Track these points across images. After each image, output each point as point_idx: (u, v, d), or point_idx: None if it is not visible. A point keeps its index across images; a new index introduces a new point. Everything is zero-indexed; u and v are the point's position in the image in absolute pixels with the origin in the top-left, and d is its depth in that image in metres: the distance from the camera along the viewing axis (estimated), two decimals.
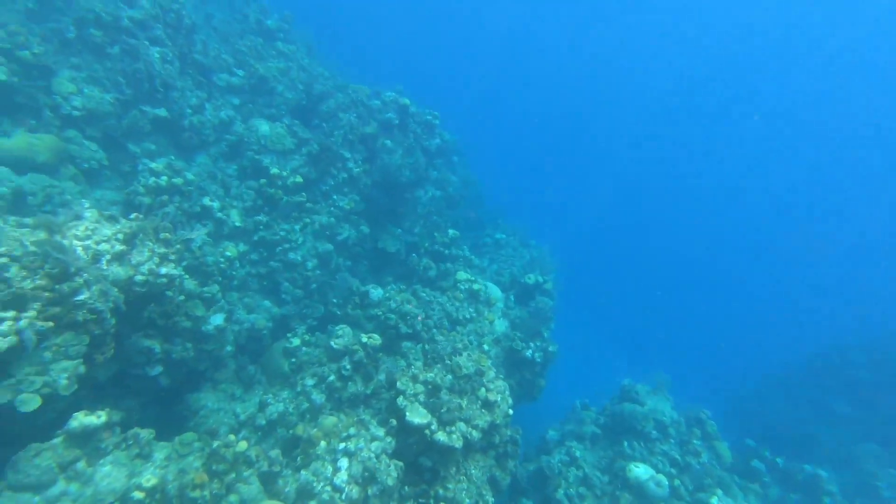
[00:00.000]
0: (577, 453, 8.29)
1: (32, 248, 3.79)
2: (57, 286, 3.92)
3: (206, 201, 7.49)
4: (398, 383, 6.79)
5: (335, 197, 9.92)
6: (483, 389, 7.08)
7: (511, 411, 7.06)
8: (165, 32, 6.93)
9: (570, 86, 53.30)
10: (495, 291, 10.82)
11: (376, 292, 9.62)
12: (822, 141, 43.56)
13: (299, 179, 9.11)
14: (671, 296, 31.09)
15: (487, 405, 6.87)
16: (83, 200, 4.56)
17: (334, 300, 9.61)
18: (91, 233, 4.47)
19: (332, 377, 7.24)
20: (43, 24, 5.63)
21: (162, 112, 6.89)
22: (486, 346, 9.01)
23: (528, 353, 9.46)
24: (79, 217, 4.42)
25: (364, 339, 7.78)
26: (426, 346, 7.84)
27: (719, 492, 7.35)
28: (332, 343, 7.56)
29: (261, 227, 8.65)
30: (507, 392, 7.39)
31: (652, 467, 7.81)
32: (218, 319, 6.81)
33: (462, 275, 10.46)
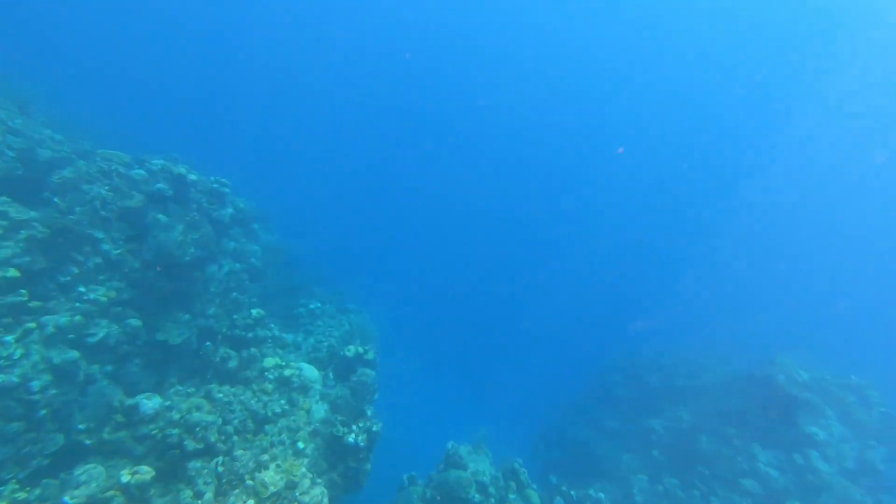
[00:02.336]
0: None
1: None
2: None
3: None
4: None
5: (82, 289, 7.65)
6: None
7: None
8: None
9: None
10: (311, 373, 9.84)
11: (150, 403, 7.60)
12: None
13: (13, 273, 6.71)
14: (484, 335, 33.76)
15: None
16: None
17: (81, 426, 7.15)
18: None
19: None
20: None
21: None
22: (300, 444, 7.92)
23: (351, 438, 8.72)
24: None
25: (125, 477, 5.92)
26: (220, 468, 6.39)
27: None
28: (67, 499, 5.46)
29: None
30: (325, 499, 6.53)
31: None
32: None
33: (270, 361, 9.21)
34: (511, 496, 9.25)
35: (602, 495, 11.01)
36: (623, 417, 16.19)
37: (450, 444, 10.19)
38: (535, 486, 10.47)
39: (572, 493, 11.04)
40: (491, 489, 9.33)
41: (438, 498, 8.85)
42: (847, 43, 38.93)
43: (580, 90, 52.62)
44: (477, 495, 8.96)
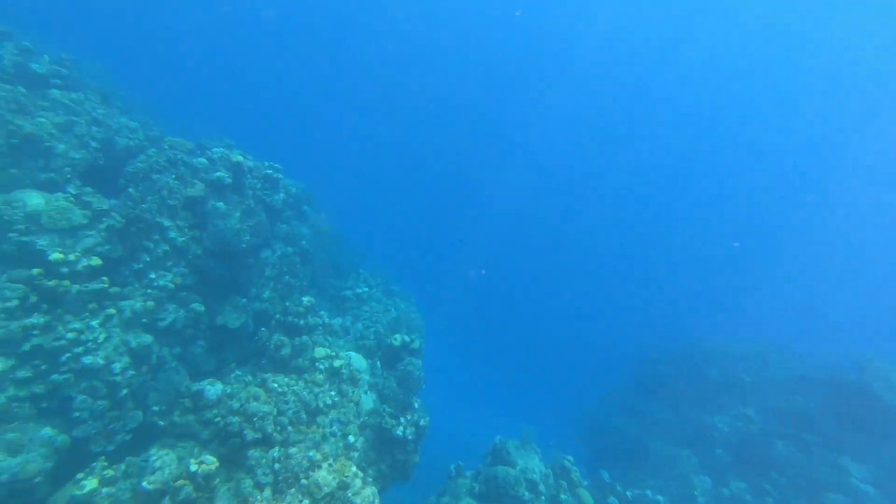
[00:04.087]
0: None
1: None
2: None
3: None
4: None
5: (153, 276, 8.08)
6: None
7: None
8: None
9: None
10: (359, 362, 9.98)
11: (213, 389, 8.00)
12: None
13: (96, 262, 7.14)
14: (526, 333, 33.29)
15: None
16: None
17: (155, 407, 7.70)
18: None
19: None
20: None
21: None
22: (351, 438, 8.09)
23: (399, 431, 8.80)
24: None
25: (193, 467, 6.27)
26: (277, 465, 6.62)
27: None
28: (145, 484, 5.87)
29: (34, 331, 6.48)
30: (377, 500, 6.61)
31: None
32: None
33: (321, 351, 9.40)
34: (563, 496, 9.04)
35: (661, 497, 10.52)
36: (677, 410, 15.34)
37: (497, 438, 10.07)
38: (586, 484, 10.19)
39: (627, 493, 10.65)
40: (541, 487, 9.16)
41: (487, 493, 8.80)
42: None
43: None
44: (527, 493, 8.82)
